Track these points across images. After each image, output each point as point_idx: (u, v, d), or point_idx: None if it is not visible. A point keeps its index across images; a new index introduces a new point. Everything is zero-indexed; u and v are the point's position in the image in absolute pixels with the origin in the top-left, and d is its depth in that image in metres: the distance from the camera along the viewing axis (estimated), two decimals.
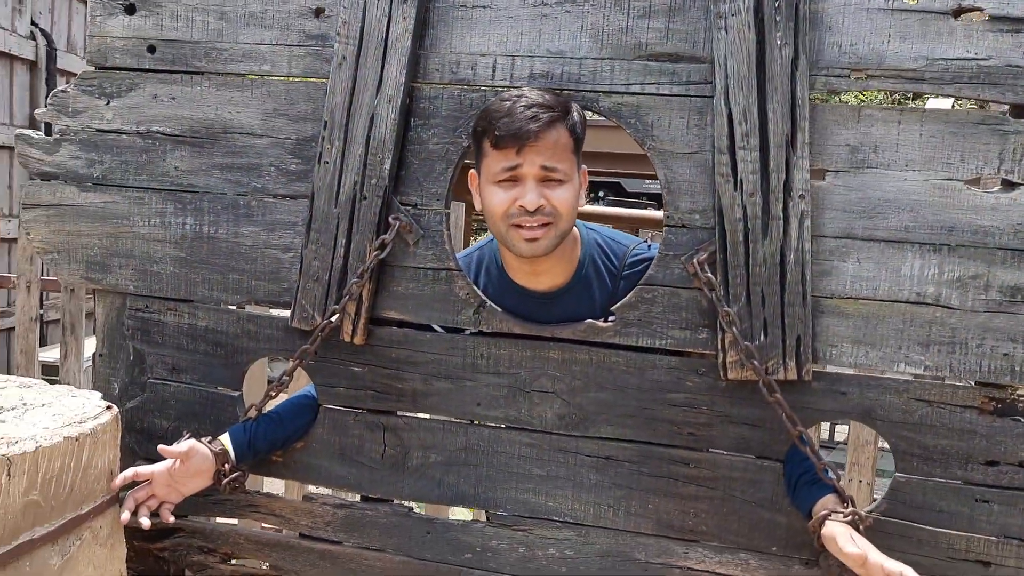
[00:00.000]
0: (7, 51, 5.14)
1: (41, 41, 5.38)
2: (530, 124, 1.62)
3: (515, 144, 1.63)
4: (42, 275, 3.92)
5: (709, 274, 1.66)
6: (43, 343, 5.02)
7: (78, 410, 1.68)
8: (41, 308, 4.94)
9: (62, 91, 1.97)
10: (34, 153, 1.99)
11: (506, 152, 1.65)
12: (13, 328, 4.30)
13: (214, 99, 1.90)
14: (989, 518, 1.62)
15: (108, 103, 1.94)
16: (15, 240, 4.66)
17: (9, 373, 3.75)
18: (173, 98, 1.91)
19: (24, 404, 1.68)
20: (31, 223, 2.00)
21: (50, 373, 4.55)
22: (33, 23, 5.36)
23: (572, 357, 1.77)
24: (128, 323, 2.00)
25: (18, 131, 2.02)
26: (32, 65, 5.39)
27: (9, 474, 1.43)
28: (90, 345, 4.11)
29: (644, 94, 1.71)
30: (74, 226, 1.98)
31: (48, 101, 1.98)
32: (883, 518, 1.66)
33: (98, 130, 1.96)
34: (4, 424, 1.57)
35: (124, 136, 1.95)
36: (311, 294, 1.84)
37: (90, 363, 4.10)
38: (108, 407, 1.73)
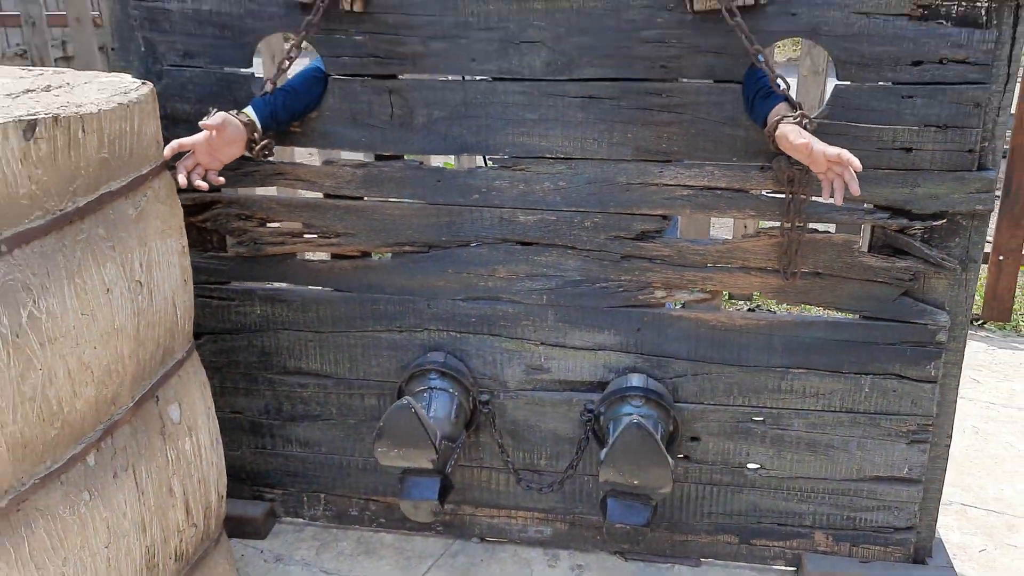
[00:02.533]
0: None
1: None
2: None
3: None
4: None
5: None
6: None
7: (119, 85, 1.87)
8: None
9: None
10: None
11: None
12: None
13: None
14: (912, 111, 1.93)
15: None
16: None
17: None
18: None
19: (68, 83, 1.86)
20: None
21: None
22: None
23: (555, 6, 1.97)
24: (134, 14, 2.13)
25: None
26: None
27: (84, 131, 1.65)
28: None
29: None
30: None
31: None
32: (826, 121, 1.96)
33: None
34: (60, 97, 1.76)
35: None
36: None
37: None
38: (144, 82, 1.91)
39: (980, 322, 3.75)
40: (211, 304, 2.36)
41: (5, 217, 1.51)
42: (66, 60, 5.26)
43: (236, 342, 2.39)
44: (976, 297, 3.75)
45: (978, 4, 1.84)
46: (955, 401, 2.16)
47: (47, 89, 1.80)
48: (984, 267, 3.70)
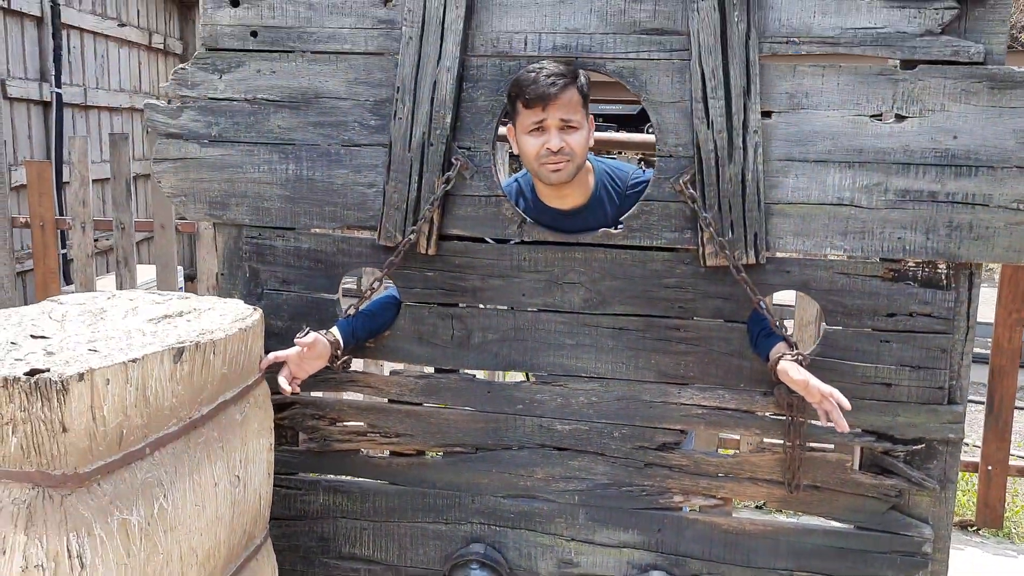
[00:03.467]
0: (18, 9, 5.49)
1: None
2: (551, 88, 2.22)
3: (540, 104, 2.23)
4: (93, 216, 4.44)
5: (691, 190, 2.29)
6: (68, 281, 5.52)
7: (236, 312, 2.28)
8: (63, 248, 5.47)
9: (181, 68, 2.52)
10: (160, 118, 2.54)
11: (534, 110, 2.25)
12: (30, 270, 4.82)
13: (307, 72, 2.46)
14: (890, 353, 2.32)
15: (220, 77, 2.49)
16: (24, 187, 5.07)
17: None
18: (274, 72, 2.47)
19: (195, 309, 2.28)
20: (162, 174, 2.56)
21: None
22: None
23: (592, 256, 2.41)
24: (244, 248, 2.59)
25: (146, 101, 2.56)
26: (39, 20, 5.75)
27: (214, 353, 2.05)
28: (143, 274, 4.68)
29: (639, 59, 2.31)
30: (197, 174, 2.55)
31: (171, 77, 2.53)
32: (818, 358, 2.34)
33: (212, 98, 2.51)
34: (192, 323, 2.17)
35: (235, 102, 2.50)
36: (393, 219, 2.44)
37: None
38: (255, 309, 2.33)
39: (975, 528, 3.99)
40: (279, 492, 2.67)
41: (152, 425, 1.88)
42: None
43: (298, 527, 2.69)
44: (971, 504, 4.02)
45: (939, 270, 2.27)
46: None
47: (180, 315, 2.22)
48: (975, 477, 3.99)
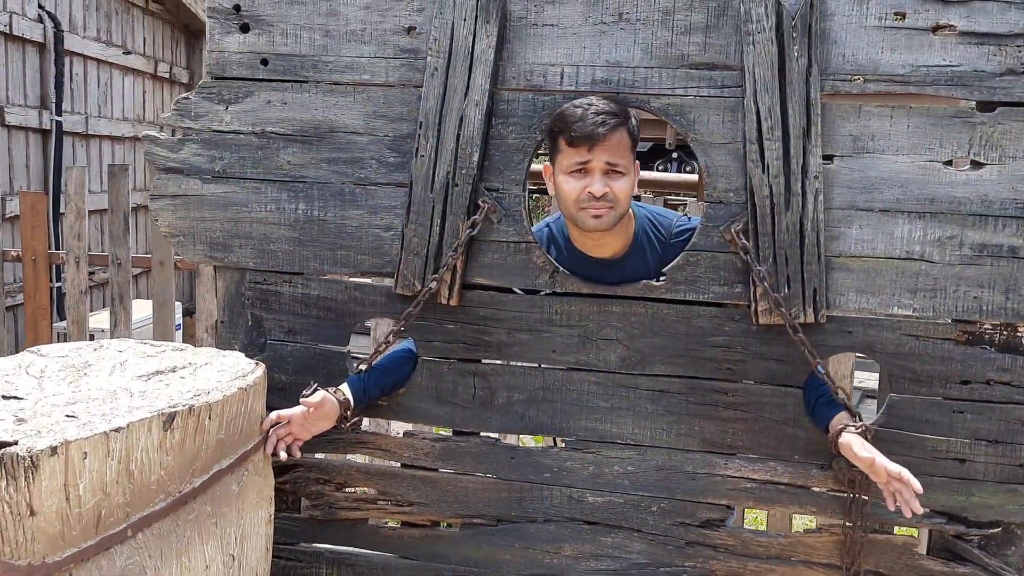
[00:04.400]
0: (20, 35, 5.33)
1: (48, 23, 5.57)
2: (600, 128, 2.01)
3: (587, 143, 2.02)
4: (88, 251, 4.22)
5: (744, 240, 2.07)
6: (61, 316, 5.28)
7: (236, 366, 2.05)
8: (58, 281, 5.24)
9: (184, 98, 2.31)
10: (160, 151, 2.33)
11: (579, 149, 2.04)
12: (21, 304, 4.60)
13: (321, 104, 2.25)
14: (963, 425, 2.08)
15: (227, 108, 2.28)
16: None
17: (18, 350, 4.07)
18: (285, 103, 2.26)
19: (191, 364, 2.05)
20: (159, 211, 2.35)
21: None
22: (40, 6, 5.53)
23: (631, 311, 2.18)
24: (247, 294, 2.36)
25: (145, 132, 2.35)
26: (41, 47, 5.58)
27: (210, 417, 1.81)
28: (140, 310, 4.45)
29: (687, 96, 2.10)
30: (198, 213, 2.33)
31: (172, 107, 2.32)
32: (882, 429, 2.10)
33: (217, 131, 2.30)
34: (186, 380, 1.94)
35: (241, 136, 2.29)
36: (412, 265, 2.22)
37: (138, 328, 4.44)
38: (257, 364, 2.10)
39: None
40: (278, 564, 2.41)
41: (135, 503, 1.64)
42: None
43: None
44: None
45: (1019, 333, 2.04)
46: None
47: (173, 371, 1.98)
48: None
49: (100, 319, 4.67)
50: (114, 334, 4.14)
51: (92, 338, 4.37)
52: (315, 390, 2.16)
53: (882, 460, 1.93)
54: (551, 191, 2.18)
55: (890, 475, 1.91)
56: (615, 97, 2.11)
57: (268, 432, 2.10)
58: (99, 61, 6.36)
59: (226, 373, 2.00)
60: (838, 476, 2.12)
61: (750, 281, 2.10)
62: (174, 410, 1.71)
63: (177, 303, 4.45)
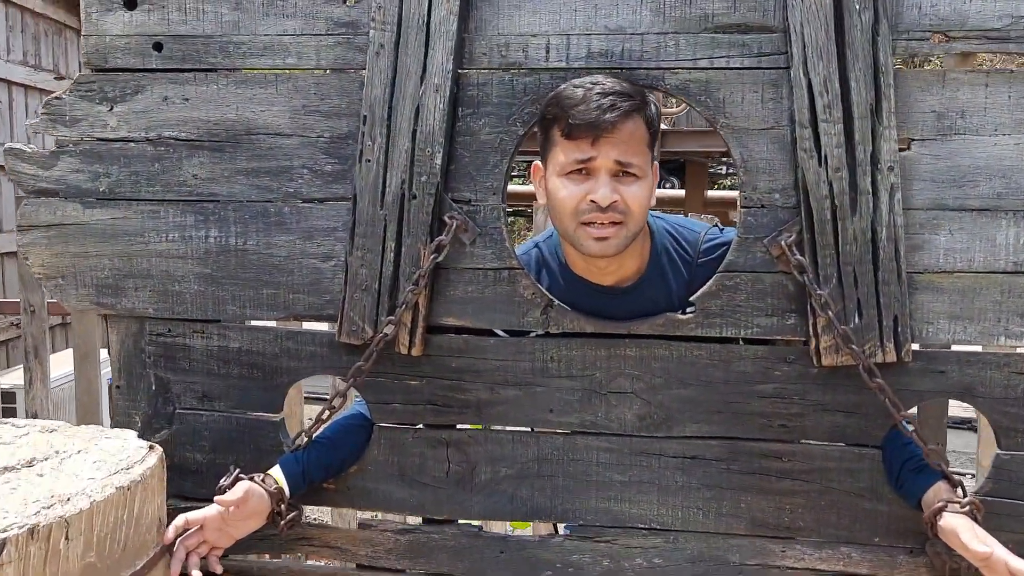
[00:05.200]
0: None
1: None
2: (607, 114, 1.49)
3: (590, 134, 1.51)
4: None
5: (798, 256, 1.56)
6: None
7: (119, 454, 1.50)
8: None
9: (56, 98, 1.77)
10: (27, 169, 1.78)
11: (579, 143, 1.53)
12: None
13: (234, 98, 1.72)
14: None
15: (111, 109, 1.75)
16: None
17: None
18: (186, 99, 1.73)
19: (57, 452, 1.49)
20: (29, 247, 1.80)
21: (8, 401, 4.27)
22: None
23: (651, 353, 1.66)
24: (148, 349, 1.81)
25: (7, 145, 1.80)
26: None
27: (67, 537, 1.26)
28: (57, 364, 3.87)
29: (713, 68, 1.60)
30: (80, 247, 1.78)
31: (41, 110, 1.78)
32: (986, 498, 1.59)
33: (101, 139, 1.76)
34: (44, 478, 1.39)
35: (132, 144, 1.75)
36: (359, 305, 1.69)
37: (58, 386, 3.86)
38: (151, 447, 1.55)
39: None
40: None
41: None
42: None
43: None
44: None
45: None
46: None
47: (30, 464, 1.44)
48: None
49: (14, 377, 4.08)
50: (29, 393, 3.54)
51: (4, 399, 3.79)
52: (236, 478, 1.61)
53: (1002, 553, 1.41)
54: (540, 199, 1.66)
55: (1012, 573, 1.40)
56: (614, 68, 1.60)
57: (173, 544, 1.54)
58: (26, 87, 5.79)
59: (104, 466, 1.45)
60: (935, 565, 1.60)
61: (808, 310, 1.58)
62: (3, 536, 1.15)
63: (105, 353, 3.87)
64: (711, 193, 7.88)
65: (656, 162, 1.64)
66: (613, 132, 1.50)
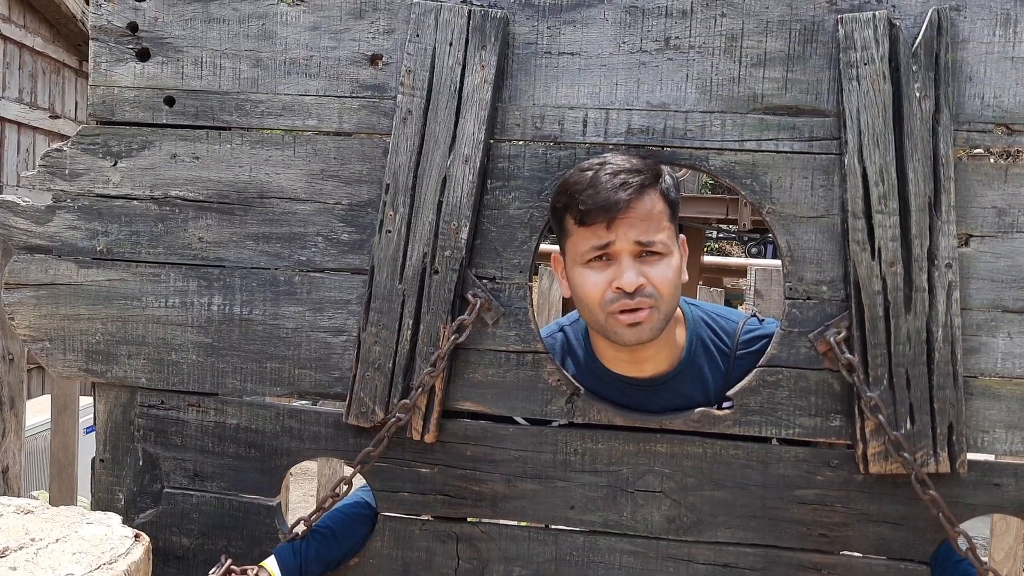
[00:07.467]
0: None
1: None
2: (619, 193, 1.40)
3: (604, 218, 1.41)
4: None
5: (846, 353, 1.46)
6: None
7: (102, 544, 1.36)
8: None
9: (56, 150, 1.66)
10: (19, 223, 1.66)
11: (594, 228, 1.43)
12: None
13: (248, 159, 1.62)
14: None
15: (115, 164, 1.64)
16: None
17: None
18: (197, 157, 1.62)
19: (32, 540, 1.35)
20: (16, 306, 1.67)
21: None
22: None
23: (683, 451, 1.54)
24: (138, 422, 1.68)
25: (1, 197, 1.69)
26: None
27: None
28: (33, 411, 3.68)
29: (761, 151, 1.51)
30: (71, 309, 1.66)
31: (40, 161, 1.66)
32: None
33: (102, 195, 1.65)
34: (15, 570, 1.24)
35: (135, 202, 1.64)
36: (371, 385, 1.57)
37: (33, 435, 3.67)
38: (136, 536, 1.40)
39: None
40: None
41: None
42: None
43: None
44: None
45: None
46: None
47: (3, 555, 1.29)
48: None
49: None
50: (1, 446, 3.37)
51: None
52: (227, 570, 1.47)
53: None
54: (565, 292, 1.55)
55: None
56: (638, 151, 1.51)
57: None
58: (20, 125, 5.68)
59: (85, 558, 1.30)
60: None
61: (855, 412, 1.48)
62: None
63: (84, 400, 3.69)
64: (707, 259, 7.85)
65: (683, 236, 1.54)
66: (628, 212, 1.40)
